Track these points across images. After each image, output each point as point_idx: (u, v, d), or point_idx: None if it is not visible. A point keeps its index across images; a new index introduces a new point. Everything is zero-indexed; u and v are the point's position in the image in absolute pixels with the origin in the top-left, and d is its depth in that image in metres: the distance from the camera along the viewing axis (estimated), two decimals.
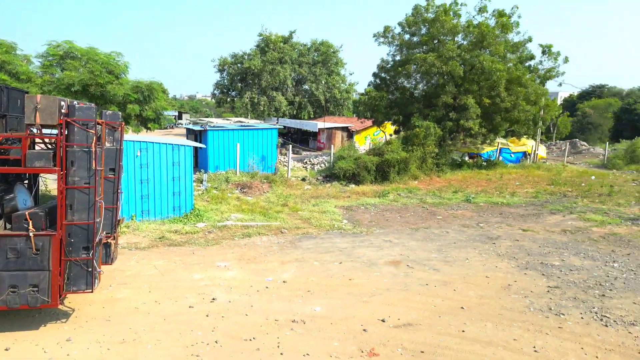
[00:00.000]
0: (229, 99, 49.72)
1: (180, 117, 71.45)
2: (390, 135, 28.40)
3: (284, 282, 9.59)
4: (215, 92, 49.91)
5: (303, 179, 21.69)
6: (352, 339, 7.29)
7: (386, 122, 28.79)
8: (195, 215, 14.40)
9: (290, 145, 23.40)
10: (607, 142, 38.30)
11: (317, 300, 8.72)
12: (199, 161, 22.28)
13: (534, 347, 7.11)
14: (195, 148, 21.05)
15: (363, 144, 34.52)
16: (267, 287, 9.28)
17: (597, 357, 6.87)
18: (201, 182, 18.99)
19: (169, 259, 10.87)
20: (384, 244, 12.37)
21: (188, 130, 26.16)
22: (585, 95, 66.74)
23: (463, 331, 7.59)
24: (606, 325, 7.84)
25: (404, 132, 26.17)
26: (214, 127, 23.01)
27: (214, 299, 8.67)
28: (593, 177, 24.10)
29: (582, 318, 8.11)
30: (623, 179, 23.87)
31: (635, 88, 63.19)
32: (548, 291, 9.28)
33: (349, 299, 8.80)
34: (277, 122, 41.32)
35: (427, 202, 18.03)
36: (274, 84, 44.80)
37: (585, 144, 43.63)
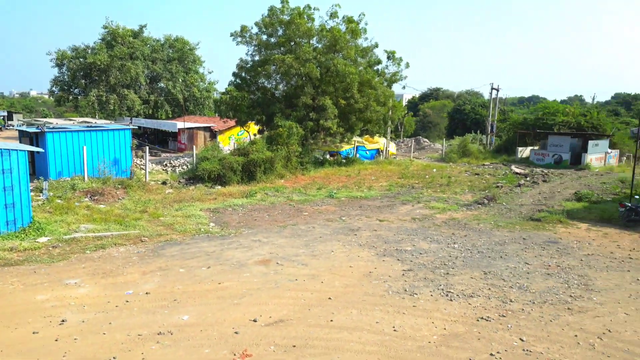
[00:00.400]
0: (71, 97, 44.55)
1: (10, 118, 61.92)
2: (255, 135, 28.43)
3: (146, 293, 8.94)
4: (54, 89, 44.23)
5: (164, 183, 20.50)
6: (223, 343, 7.11)
7: (249, 121, 28.75)
8: (35, 229, 12.60)
9: (147, 147, 21.87)
10: (444, 139, 43.69)
11: (184, 308, 8.31)
12: (37, 168, 19.56)
13: (394, 327, 7.75)
14: (32, 152, 18.50)
15: (227, 144, 33.95)
16: (127, 301, 8.55)
17: (445, 328, 7.77)
18: (41, 192, 16.73)
19: (4, 280, 9.35)
20: (253, 244, 12.33)
21: (21, 132, 22.74)
22: (425, 97, 75.21)
23: (331, 320, 7.94)
24: (451, 300, 8.91)
25: (268, 131, 26.42)
26: (54, 128, 20.41)
27: (63, 320, 7.70)
28: (435, 170, 27.23)
29: (431, 295, 9.10)
30: (458, 171, 27.44)
31: (463, 91, 73.12)
32: (403, 274, 10.21)
33: (218, 303, 8.57)
34: (131, 122, 38.37)
35: (294, 199, 18.47)
36: (125, 81, 41.38)
37: (427, 140, 49.18)
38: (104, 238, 12.41)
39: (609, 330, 7.77)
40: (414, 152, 38.87)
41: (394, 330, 7.65)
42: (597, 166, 29.35)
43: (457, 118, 58.20)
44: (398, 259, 11.22)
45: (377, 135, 32.56)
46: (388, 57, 29.49)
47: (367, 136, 32.79)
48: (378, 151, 32.81)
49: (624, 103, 74.62)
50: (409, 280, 9.84)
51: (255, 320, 7.86)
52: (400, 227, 14.41)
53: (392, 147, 35.52)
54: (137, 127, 34.77)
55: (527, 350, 7.08)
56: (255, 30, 27.40)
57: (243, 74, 28.20)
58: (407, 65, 29.90)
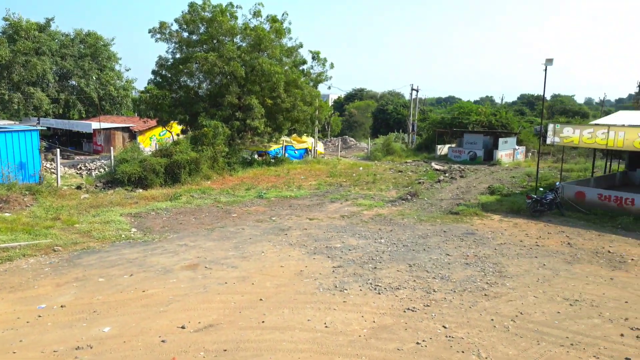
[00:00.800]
0: None
1: None
2: (178, 135, 27.41)
3: (61, 306, 8.30)
4: None
5: (78, 187, 19.13)
6: (149, 353, 6.78)
7: (172, 121, 27.66)
8: None
9: (59, 149, 20.26)
10: (369, 138, 44.98)
11: (105, 319, 7.82)
12: None
13: (325, 324, 7.85)
14: None
15: (148, 145, 32.42)
16: (39, 316, 7.88)
17: (374, 321, 7.99)
18: None
19: None
20: (179, 249, 11.88)
21: None
22: (350, 97, 76.91)
23: (263, 322, 7.87)
24: (379, 293, 9.19)
25: (192, 131, 25.61)
26: None
27: None
28: (361, 168, 27.95)
29: (360, 290, 9.33)
30: (383, 168, 28.38)
31: (386, 92, 75.76)
32: (333, 271, 10.37)
33: (143, 312, 8.16)
34: (39, 123, 35.42)
35: (222, 201, 18.06)
36: (30, 78, 38.03)
37: (353, 139, 50.35)
38: (10, 249, 11.33)
39: (521, 313, 8.44)
40: (341, 151, 39.61)
41: (326, 326, 7.75)
42: (507, 162, 31.75)
43: (380, 118, 60.13)
44: (328, 256, 11.38)
45: (305, 134, 32.77)
46: (313, 58, 29.75)
47: (295, 136, 32.89)
48: (306, 150, 33.03)
49: (528, 103, 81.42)
50: (339, 277, 10.01)
51: (183, 327, 7.59)
52: (329, 225, 14.62)
53: (320, 147, 35.94)
54: (45, 128, 32.20)
55: (450, 336, 7.49)
56: (175, 27, 26.45)
57: (164, 72, 27.09)
58: (332, 66, 30.36)
